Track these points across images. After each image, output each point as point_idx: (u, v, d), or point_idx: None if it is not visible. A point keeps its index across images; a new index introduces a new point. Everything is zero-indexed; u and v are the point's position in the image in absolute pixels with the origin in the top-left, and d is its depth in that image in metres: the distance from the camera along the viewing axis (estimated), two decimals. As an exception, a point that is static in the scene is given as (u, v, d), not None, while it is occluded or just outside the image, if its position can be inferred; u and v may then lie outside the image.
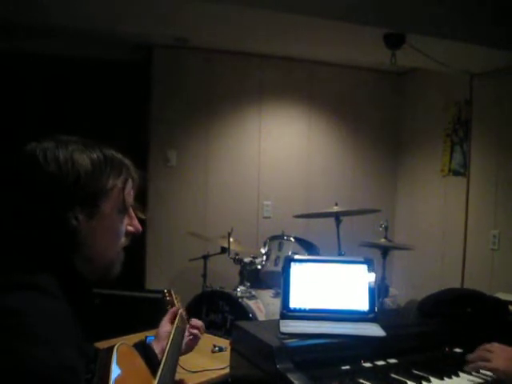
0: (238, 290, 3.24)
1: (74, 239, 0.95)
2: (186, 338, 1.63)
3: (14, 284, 0.86)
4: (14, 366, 0.75)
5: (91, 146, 1.01)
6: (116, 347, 1.00)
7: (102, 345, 1.20)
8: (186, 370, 1.90)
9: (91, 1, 2.77)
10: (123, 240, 1.06)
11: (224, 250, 3.50)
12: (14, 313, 0.80)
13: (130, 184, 1.05)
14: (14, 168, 0.96)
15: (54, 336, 0.81)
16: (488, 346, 1.50)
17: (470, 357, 1.50)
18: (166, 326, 1.51)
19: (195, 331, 1.62)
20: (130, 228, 1.07)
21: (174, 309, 1.56)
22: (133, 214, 1.08)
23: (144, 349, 1.33)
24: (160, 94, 4.09)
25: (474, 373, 1.46)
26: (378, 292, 1.65)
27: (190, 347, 1.66)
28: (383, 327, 1.53)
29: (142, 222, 1.12)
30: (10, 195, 0.94)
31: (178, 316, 1.54)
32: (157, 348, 1.42)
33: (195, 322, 1.65)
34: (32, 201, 0.93)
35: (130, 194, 1.05)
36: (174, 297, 1.64)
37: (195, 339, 1.63)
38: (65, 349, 0.82)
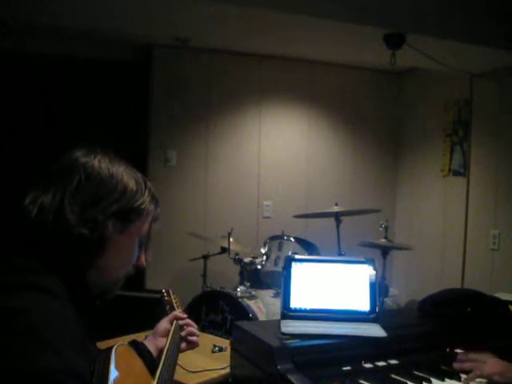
0: (238, 290, 3.24)
1: (100, 246, 0.99)
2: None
3: (25, 285, 0.86)
4: (17, 368, 0.75)
5: (136, 172, 1.08)
6: (115, 348, 0.99)
7: (101, 345, 1.19)
8: (186, 370, 1.90)
9: (91, 1, 2.77)
10: (131, 267, 1.10)
11: (224, 250, 3.50)
12: (20, 313, 0.80)
13: (156, 219, 1.12)
14: (66, 166, 1.00)
15: (59, 338, 0.81)
16: (477, 355, 1.50)
17: (459, 365, 1.48)
18: (164, 324, 1.50)
19: (193, 339, 1.56)
20: (138, 261, 1.12)
21: (175, 314, 1.54)
22: (142, 250, 1.13)
23: (136, 346, 1.33)
24: (160, 94, 4.09)
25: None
26: (378, 292, 1.65)
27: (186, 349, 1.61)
28: (384, 328, 1.53)
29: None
30: (58, 190, 0.97)
31: (176, 320, 1.52)
32: (150, 345, 1.41)
33: (192, 330, 1.57)
34: (78, 199, 0.96)
35: (151, 227, 1.11)
36: (172, 297, 1.63)
37: (192, 345, 1.58)
38: (69, 351, 0.82)
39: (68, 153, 1.03)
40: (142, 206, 1.04)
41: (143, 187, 1.06)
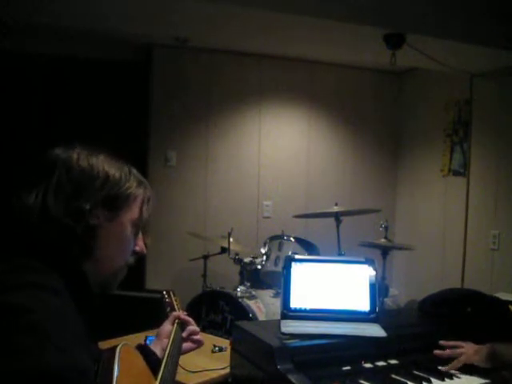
0: (238, 290, 3.24)
1: (92, 237, 0.98)
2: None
3: (24, 282, 0.86)
4: (25, 367, 0.75)
5: (118, 160, 1.08)
6: (118, 348, 0.99)
7: (102, 345, 1.19)
8: (186, 370, 1.90)
9: (91, 1, 2.77)
10: (130, 257, 1.10)
11: (224, 250, 3.49)
12: (21, 311, 0.80)
13: (147, 202, 1.10)
14: (45, 163, 1.01)
15: (61, 335, 0.81)
16: (456, 342, 1.57)
17: (438, 353, 1.56)
18: (167, 326, 1.50)
19: (198, 337, 1.56)
20: (137, 247, 1.11)
21: (176, 314, 1.54)
22: (141, 235, 1.13)
23: (143, 351, 1.33)
24: (160, 94, 4.09)
25: (474, 373, 1.47)
26: (378, 292, 1.65)
27: (189, 350, 1.61)
28: (384, 328, 1.53)
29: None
30: (40, 189, 0.97)
31: (177, 319, 1.52)
32: (156, 347, 1.41)
33: (193, 329, 1.57)
34: (62, 193, 0.97)
35: (146, 212, 1.10)
36: (173, 299, 1.63)
37: (197, 343, 1.58)
38: (76, 349, 0.82)
39: (47, 152, 1.03)
40: (128, 191, 1.04)
41: (127, 173, 1.06)
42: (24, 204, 0.96)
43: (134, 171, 1.09)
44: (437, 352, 1.56)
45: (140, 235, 1.13)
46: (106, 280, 1.06)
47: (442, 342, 1.59)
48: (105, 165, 1.02)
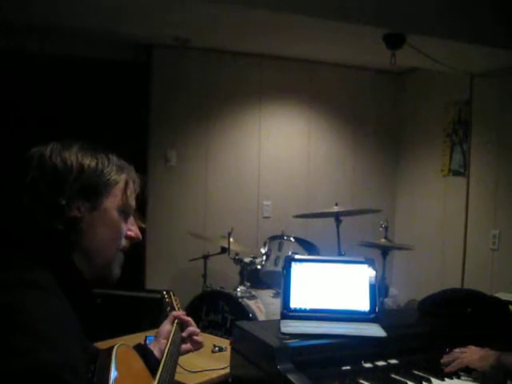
0: (238, 290, 3.24)
1: (75, 230, 0.98)
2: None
3: (15, 281, 0.86)
4: (19, 365, 0.75)
5: (95, 147, 1.06)
6: (115, 348, 0.99)
7: (101, 345, 1.19)
8: (186, 370, 1.90)
9: (92, 1, 2.77)
10: (123, 241, 1.08)
11: (224, 250, 3.50)
12: (18, 310, 0.80)
13: (131, 185, 1.08)
14: (21, 164, 1.01)
15: (58, 334, 0.81)
16: (462, 348, 1.56)
17: (445, 359, 1.54)
18: (166, 326, 1.50)
19: (198, 338, 1.56)
20: (130, 233, 1.10)
21: (176, 314, 1.54)
22: (133, 220, 1.11)
23: (142, 350, 1.32)
24: (160, 94, 4.09)
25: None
26: (378, 292, 1.65)
27: (188, 351, 1.60)
28: (384, 327, 1.53)
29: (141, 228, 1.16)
30: (16, 189, 0.97)
31: (176, 319, 1.52)
32: (155, 347, 1.41)
33: (193, 330, 1.57)
34: (37, 192, 0.96)
35: (131, 195, 1.08)
36: (173, 299, 1.63)
37: (196, 345, 1.57)
38: (69, 347, 0.82)
39: (23, 152, 1.03)
40: (107, 178, 1.03)
41: (104, 160, 1.04)
42: (4, 206, 0.97)
43: (114, 157, 1.07)
44: (443, 360, 1.55)
45: (132, 220, 1.11)
46: (102, 271, 1.04)
47: (445, 357, 1.57)
48: (78, 156, 1.01)
